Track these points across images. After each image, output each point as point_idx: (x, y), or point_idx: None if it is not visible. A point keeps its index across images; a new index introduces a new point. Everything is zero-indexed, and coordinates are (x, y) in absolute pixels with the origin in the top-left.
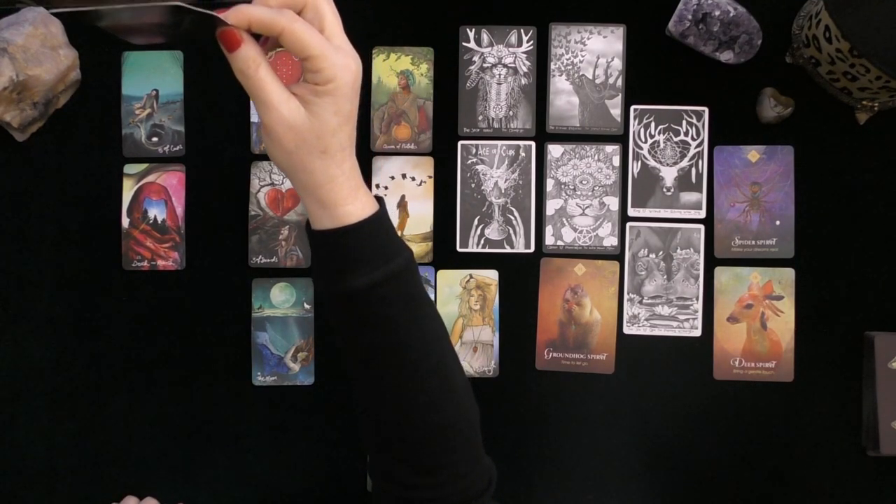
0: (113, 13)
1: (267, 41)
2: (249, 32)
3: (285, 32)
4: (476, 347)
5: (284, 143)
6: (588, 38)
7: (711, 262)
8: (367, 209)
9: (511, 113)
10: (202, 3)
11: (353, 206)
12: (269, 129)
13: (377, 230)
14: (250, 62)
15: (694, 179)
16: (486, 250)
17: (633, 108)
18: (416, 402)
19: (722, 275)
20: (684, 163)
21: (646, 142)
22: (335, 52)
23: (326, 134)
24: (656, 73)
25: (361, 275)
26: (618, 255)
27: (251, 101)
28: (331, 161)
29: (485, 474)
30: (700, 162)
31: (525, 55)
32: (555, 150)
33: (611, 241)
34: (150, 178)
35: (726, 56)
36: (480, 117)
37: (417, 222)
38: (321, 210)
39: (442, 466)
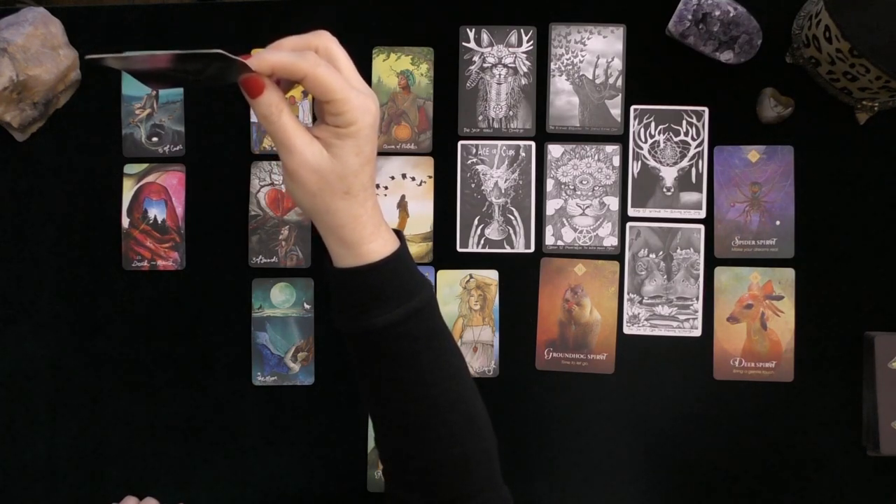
0: (151, 59)
1: (280, 82)
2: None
3: (308, 77)
4: (476, 347)
5: (308, 186)
6: (588, 38)
7: (711, 262)
8: (388, 246)
9: (511, 113)
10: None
11: (375, 243)
12: (293, 173)
13: (399, 267)
14: (273, 108)
15: (694, 179)
16: (486, 250)
17: (633, 108)
18: (437, 435)
19: (722, 275)
20: (684, 163)
21: (646, 142)
22: (356, 95)
23: (349, 175)
24: (656, 73)
25: (385, 312)
26: (618, 255)
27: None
28: (353, 201)
29: None
30: (700, 162)
31: (525, 55)
32: (555, 150)
33: (611, 241)
34: (150, 178)
35: (726, 56)
36: (480, 117)
37: (417, 222)
38: (343, 249)
39: (460, 498)
